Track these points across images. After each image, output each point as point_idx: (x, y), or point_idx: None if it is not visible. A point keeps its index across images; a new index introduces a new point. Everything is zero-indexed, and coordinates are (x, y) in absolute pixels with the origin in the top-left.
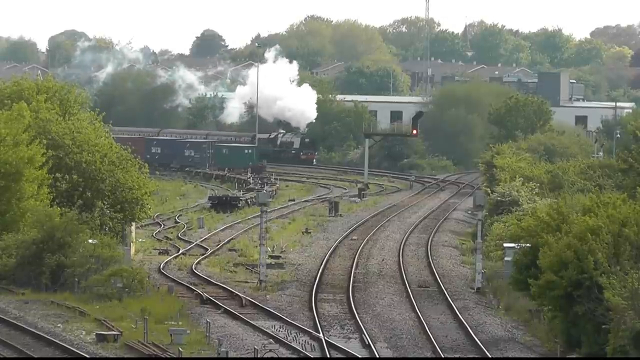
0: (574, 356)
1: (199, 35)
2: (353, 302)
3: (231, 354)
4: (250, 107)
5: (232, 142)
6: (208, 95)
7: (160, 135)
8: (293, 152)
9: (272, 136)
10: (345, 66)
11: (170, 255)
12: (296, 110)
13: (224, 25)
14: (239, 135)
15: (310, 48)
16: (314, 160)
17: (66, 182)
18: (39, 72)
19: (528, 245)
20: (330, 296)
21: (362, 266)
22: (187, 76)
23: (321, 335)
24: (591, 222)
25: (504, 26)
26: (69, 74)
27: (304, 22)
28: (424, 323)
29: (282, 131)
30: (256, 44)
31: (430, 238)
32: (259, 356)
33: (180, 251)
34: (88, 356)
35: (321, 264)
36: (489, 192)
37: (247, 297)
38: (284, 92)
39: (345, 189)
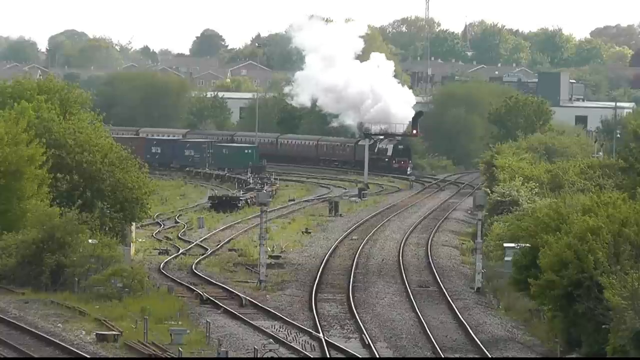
0: (574, 356)
1: (199, 35)
2: (353, 302)
3: (231, 354)
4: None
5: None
6: (208, 96)
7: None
8: (386, 160)
9: (370, 142)
10: None
11: (170, 255)
12: (389, 111)
13: (224, 25)
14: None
15: None
16: (409, 169)
17: (66, 182)
18: (39, 71)
19: (528, 245)
20: (330, 296)
21: (362, 266)
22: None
23: (321, 335)
24: (591, 222)
25: (504, 26)
26: (69, 73)
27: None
28: (424, 323)
29: (381, 137)
30: (256, 44)
31: (430, 238)
32: (259, 356)
33: (180, 251)
34: (88, 356)
35: (321, 263)
36: (489, 192)
37: (247, 297)
38: (371, 86)
39: (345, 189)
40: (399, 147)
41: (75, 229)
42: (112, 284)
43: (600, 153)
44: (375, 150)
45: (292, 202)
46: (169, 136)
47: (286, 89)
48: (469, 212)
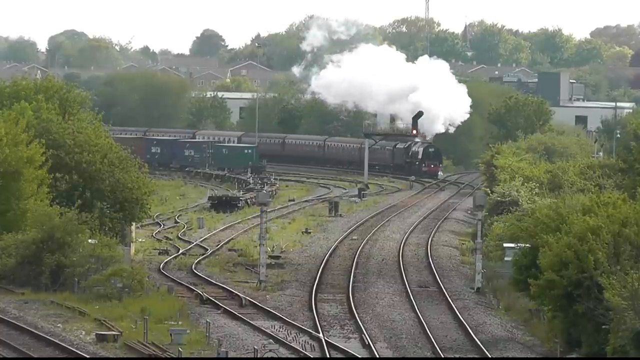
0: (574, 356)
1: (199, 35)
2: (353, 302)
3: (231, 354)
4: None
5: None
6: (208, 96)
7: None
8: (417, 163)
9: (406, 145)
10: None
11: (170, 255)
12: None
13: (224, 25)
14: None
15: None
16: (439, 173)
17: (66, 182)
18: (39, 72)
19: (528, 245)
20: (330, 296)
21: (362, 266)
22: None
23: (321, 335)
24: (591, 222)
25: (504, 26)
26: (69, 73)
27: (303, 22)
28: (424, 323)
29: (417, 140)
30: (256, 44)
31: (430, 238)
32: (259, 356)
33: (180, 251)
34: (88, 356)
35: (321, 264)
36: (489, 192)
37: (247, 297)
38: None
39: (345, 189)
40: (430, 150)
41: (75, 229)
42: (112, 284)
43: (600, 153)
44: (410, 154)
45: (292, 202)
46: (219, 138)
47: (314, 85)
48: (469, 212)
